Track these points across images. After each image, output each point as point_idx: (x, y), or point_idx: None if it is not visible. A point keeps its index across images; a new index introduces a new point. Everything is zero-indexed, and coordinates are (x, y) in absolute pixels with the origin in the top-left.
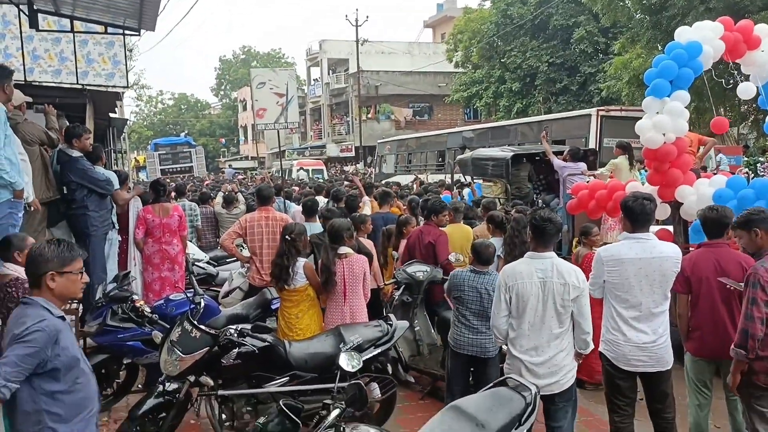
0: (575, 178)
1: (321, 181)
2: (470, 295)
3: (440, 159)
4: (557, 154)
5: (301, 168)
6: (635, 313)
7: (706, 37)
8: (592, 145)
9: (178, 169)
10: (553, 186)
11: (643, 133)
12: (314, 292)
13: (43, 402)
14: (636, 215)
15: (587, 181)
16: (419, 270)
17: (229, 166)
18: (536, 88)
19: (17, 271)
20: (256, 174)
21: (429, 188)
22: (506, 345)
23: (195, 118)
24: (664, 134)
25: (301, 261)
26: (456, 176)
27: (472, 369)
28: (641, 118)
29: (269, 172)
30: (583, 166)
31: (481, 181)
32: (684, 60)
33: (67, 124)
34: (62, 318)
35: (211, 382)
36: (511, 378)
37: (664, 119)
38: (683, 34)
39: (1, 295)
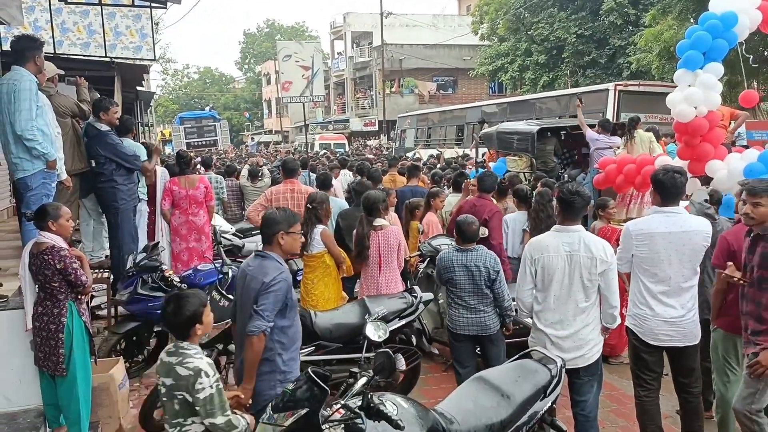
0: (604, 152)
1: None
2: (461, 274)
3: (459, 133)
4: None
5: (323, 142)
6: (664, 287)
7: (742, 7)
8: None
9: (203, 142)
10: (579, 160)
11: (674, 106)
12: (332, 260)
13: (274, 334)
14: (667, 189)
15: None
16: (444, 243)
17: (252, 139)
18: (563, 60)
19: (53, 239)
20: (280, 147)
21: (452, 162)
22: (531, 318)
23: (219, 92)
24: (695, 107)
25: (319, 228)
26: (468, 151)
27: (477, 349)
28: (659, 93)
29: (293, 147)
30: (616, 140)
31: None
32: (719, 31)
33: (98, 96)
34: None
35: None
36: (536, 350)
37: (696, 92)
38: (718, 4)
39: (37, 262)
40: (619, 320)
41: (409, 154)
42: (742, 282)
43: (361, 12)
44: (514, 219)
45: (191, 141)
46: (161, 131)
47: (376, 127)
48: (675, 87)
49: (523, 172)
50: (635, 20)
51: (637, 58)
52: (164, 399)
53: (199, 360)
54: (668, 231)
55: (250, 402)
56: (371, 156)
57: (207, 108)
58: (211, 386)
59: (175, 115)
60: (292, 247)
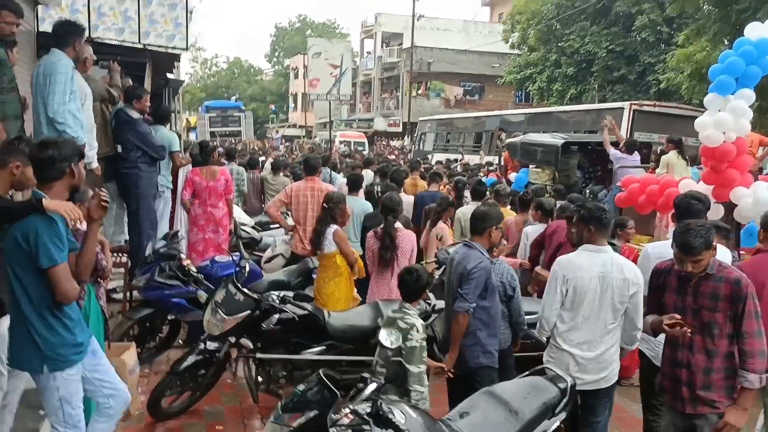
0: (628, 171)
1: (365, 153)
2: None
3: (477, 140)
4: (613, 144)
5: (343, 139)
6: None
7: None
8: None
9: (227, 132)
10: (603, 177)
11: (703, 129)
12: (343, 261)
13: (476, 312)
14: (682, 213)
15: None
16: None
17: (276, 132)
18: (592, 74)
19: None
20: (303, 142)
21: (471, 169)
22: (551, 337)
23: (247, 83)
24: (724, 133)
25: (333, 227)
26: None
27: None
28: (674, 114)
29: (315, 143)
30: (630, 159)
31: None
32: (752, 57)
33: (130, 82)
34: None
35: (251, 345)
36: (548, 368)
37: (725, 117)
38: (754, 31)
39: None
40: (638, 342)
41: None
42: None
43: (392, 13)
44: (536, 231)
45: (215, 130)
46: (187, 118)
47: (400, 129)
48: (690, 109)
49: (545, 185)
50: (668, 38)
51: (667, 77)
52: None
53: (416, 319)
54: None
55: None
56: (392, 157)
57: (233, 98)
58: (418, 341)
59: (202, 103)
60: (497, 240)
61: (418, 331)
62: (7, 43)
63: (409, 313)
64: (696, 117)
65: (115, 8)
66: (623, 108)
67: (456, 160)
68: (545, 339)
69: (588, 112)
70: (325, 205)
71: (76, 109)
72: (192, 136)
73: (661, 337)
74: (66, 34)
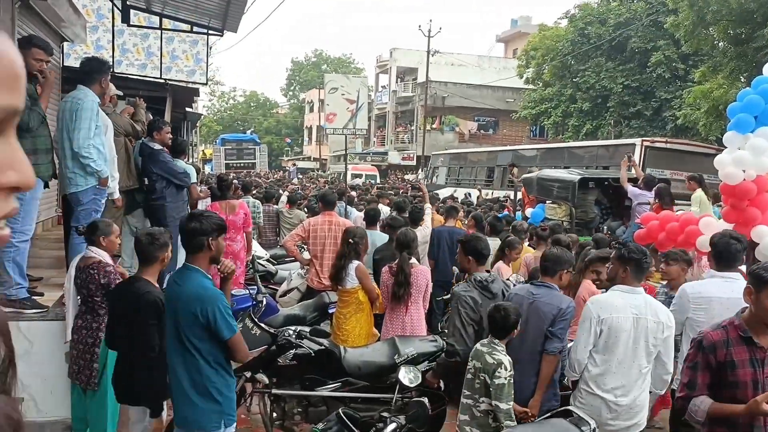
0: (646, 207)
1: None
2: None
3: (490, 175)
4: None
5: (355, 172)
6: None
7: None
8: (634, 173)
9: (242, 164)
10: (621, 212)
11: (723, 167)
12: (366, 297)
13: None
14: (720, 253)
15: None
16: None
17: (293, 165)
18: (608, 110)
19: (100, 254)
20: (319, 176)
21: (484, 204)
22: (580, 380)
23: (263, 116)
24: (744, 171)
25: (355, 263)
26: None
27: None
28: (686, 151)
29: (332, 177)
30: (648, 195)
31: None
32: None
33: (150, 117)
34: None
35: (266, 380)
36: (572, 410)
37: (745, 155)
38: None
39: (83, 276)
40: (667, 386)
41: (441, 192)
42: None
43: (407, 48)
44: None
45: (230, 162)
46: (203, 150)
47: (414, 162)
48: (702, 146)
49: (562, 221)
50: (684, 75)
51: (684, 113)
52: (469, 377)
53: (504, 356)
54: (726, 297)
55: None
56: (405, 187)
57: (248, 131)
58: (506, 378)
59: (218, 135)
60: (566, 283)
61: (505, 369)
62: (36, 80)
63: (497, 350)
64: (707, 154)
65: (138, 45)
66: (635, 144)
67: (468, 195)
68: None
69: (600, 148)
70: (350, 240)
71: (100, 143)
72: (207, 168)
73: None
74: (93, 71)
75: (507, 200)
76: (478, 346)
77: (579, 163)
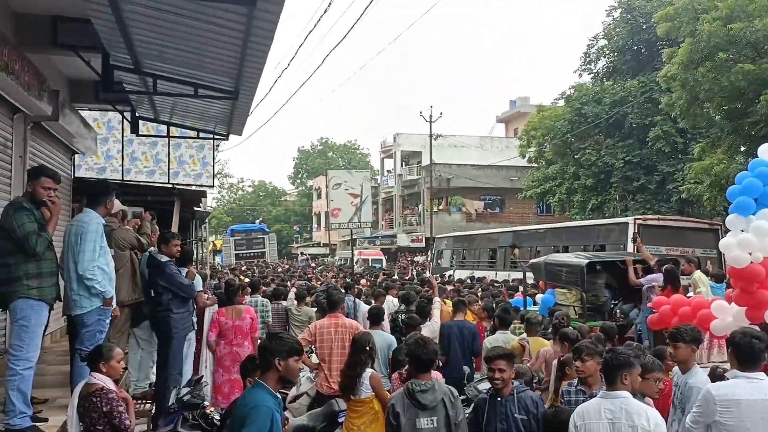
0: (658, 291)
1: (382, 271)
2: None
3: (492, 256)
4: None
5: (362, 257)
6: None
7: None
8: (629, 250)
9: (252, 254)
10: (632, 295)
11: (729, 251)
12: (380, 406)
13: None
14: (744, 353)
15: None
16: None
17: (301, 253)
18: (612, 185)
19: (103, 381)
20: (326, 267)
21: (488, 288)
22: None
23: (272, 205)
24: (750, 253)
25: (369, 372)
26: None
27: None
28: (679, 227)
29: (338, 267)
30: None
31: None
32: None
33: (157, 229)
34: None
35: None
36: None
37: (749, 238)
38: (767, 152)
39: (85, 404)
40: None
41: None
42: None
43: (410, 133)
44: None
45: (240, 252)
46: (213, 241)
47: (423, 244)
48: (694, 221)
49: (573, 306)
50: (683, 148)
51: (687, 188)
52: None
53: None
54: (754, 398)
55: None
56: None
57: (257, 221)
58: None
59: (228, 226)
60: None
61: None
62: (42, 204)
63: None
64: (700, 229)
65: (147, 152)
66: (628, 223)
67: (473, 278)
68: None
69: (596, 228)
70: (367, 347)
71: (105, 263)
72: (218, 259)
73: None
74: (99, 194)
75: (503, 285)
76: None
77: (576, 241)
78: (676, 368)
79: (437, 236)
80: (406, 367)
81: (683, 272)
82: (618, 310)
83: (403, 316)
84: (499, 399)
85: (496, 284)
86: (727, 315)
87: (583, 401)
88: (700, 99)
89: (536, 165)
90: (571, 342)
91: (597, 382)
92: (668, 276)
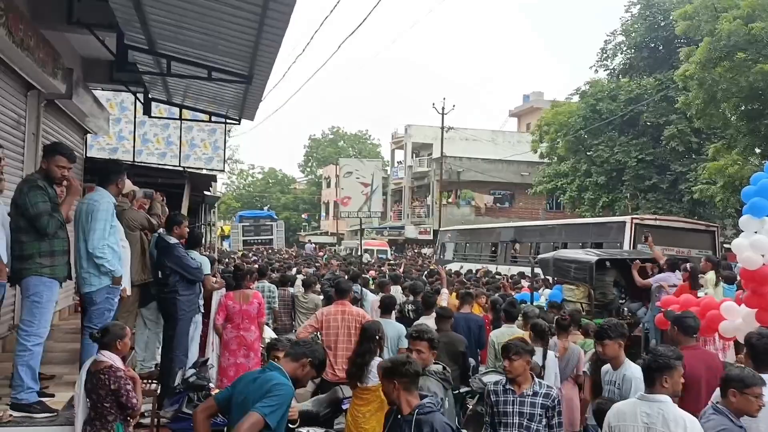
0: (669, 290)
1: (389, 262)
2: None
3: (493, 250)
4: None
5: (367, 248)
6: None
7: None
8: (626, 248)
9: (259, 240)
10: (639, 293)
11: (740, 252)
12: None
13: None
14: (759, 354)
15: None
16: (496, 380)
17: (309, 241)
18: (623, 183)
19: (111, 359)
20: (337, 251)
21: (492, 281)
22: None
23: (281, 193)
24: (763, 255)
25: (377, 360)
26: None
27: None
28: (675, 227)
29: (345, 257)
30: (673, 277)
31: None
32: None
33: (167, 211)
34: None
35: None
36: None
37: (762, 240)
38: None
39: (93, 380)
40: None
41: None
42: None
43: (422, 124)
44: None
45: (248, 238)
46: (221, 227)
47: (431, 236)
48: (692, 222)
49: (581, 302)
50: (697, 148)
51: (700, 188)
52: None
53: None
54: None
55: None
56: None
57: (265, 208)
58: None
59: (236, 212)
60: (746, 408)
61: None
62: (57, 184)
63: None
64: (697, 230)
65: (159, 134)
66: (625, 222)
67: (470, 271)
68: None
69: (593, 225)
70: (377, 336)
71: (115, 242)
72: (225, 245)
73: None
74: (110, 173)
75: (504, 278)
76: None
77: (575, 238)
78: (605, 367)
79: (441, 229)
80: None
81: (701, 270)
82: (626, 308)
83: (410, 306)
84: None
85: (497, 276)
86: (737, 317)
87: (512, 401)
88: (716, 99)
89: (548, 161)
90: (537, 332)
91: (527, 381)
92: (690, 274)
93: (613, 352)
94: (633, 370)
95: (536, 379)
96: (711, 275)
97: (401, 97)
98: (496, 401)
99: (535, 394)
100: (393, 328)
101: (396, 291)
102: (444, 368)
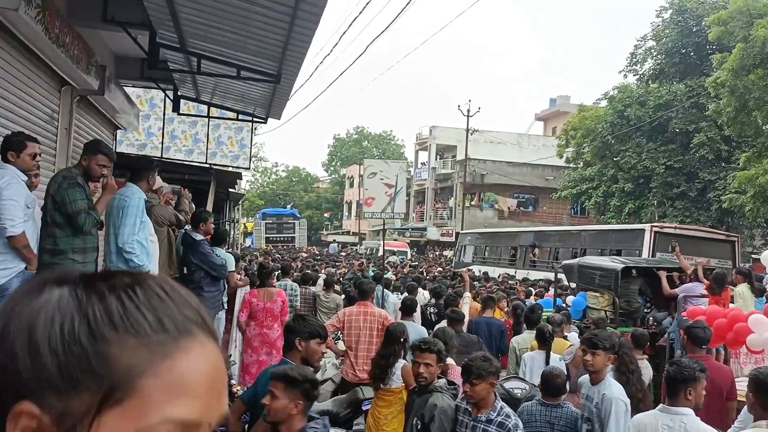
0: (694, 300)
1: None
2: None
3: (513, 254)
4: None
5: (387, 248)
6: None
7: None
8: (644, 256)
9: (281, 238)
10: (665, 303)
11: None
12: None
13: None
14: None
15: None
16: (518, 387)
17: (333, 241)
18: (651, 190)
19: None
20: (358, 250)
21: (510, 286)
22: None
23: (304, 191)
24: None
25: (401, 362)
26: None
27: None
28: (695, 236)
29: (366, 258)
30: (700, 287)
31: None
32: None
33: (193, 207)
34: None
35: None
36: None
37: None
38: None
39: None
40: None
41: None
42: None
43: (446, 126)
44: (532, 358)
45: (270, 236)
46: (244, 224)
47: (453, 238)
48: (712, 232)
49: (605, 310)
50: (727, 156)
51: (730, 198)
52: None
53: None
54: None
55: None
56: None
57: (288, 206)
58: None
59: (260, 209)
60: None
61: None
62: (94, 181)
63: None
64: (717, 239)
65: (186, 131)
66: (644, 229)
67: (485, 276)
68: None
69: (612, 232)
70: (402, 339)
71: (144, 238)
72: (248, 241)
73: None
74: (142, 169)
75: (517, 283)
76: None
77: (594, 245)
78: (583, 378)
79: (461, 231)
80: None
81: (732, 283)
82: (651, 318)
83: (432, 309)
84: None
85: (510, 281)
86: (765, 330)
87: (465, 423)
88: (748, 107)
89: (573, 165)
90: (540, 337)
91: (487, 406)
92: (718, 283)
93: (601, 365)
94: (614, 390)
95: (498, 405)
96: (743, 288)
97: (426, 98)
98: (462, 421)
99: (489, 421)
100: (415, 330)
101: (421, 293)
102: (449, 383)
